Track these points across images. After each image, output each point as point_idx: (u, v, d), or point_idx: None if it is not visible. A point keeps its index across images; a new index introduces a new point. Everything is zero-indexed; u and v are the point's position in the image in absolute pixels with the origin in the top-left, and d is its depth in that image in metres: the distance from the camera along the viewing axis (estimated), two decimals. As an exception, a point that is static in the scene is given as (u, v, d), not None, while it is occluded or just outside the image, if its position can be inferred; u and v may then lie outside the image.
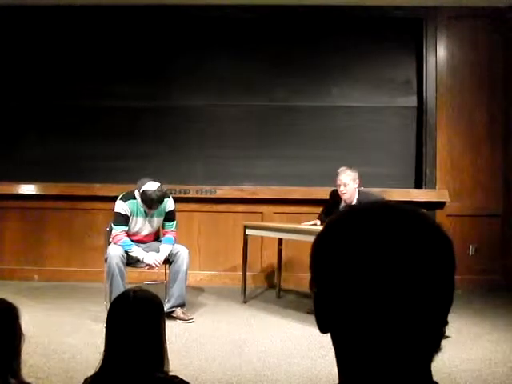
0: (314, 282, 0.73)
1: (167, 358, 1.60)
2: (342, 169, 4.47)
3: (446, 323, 0.70)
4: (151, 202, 4.16)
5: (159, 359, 1.56)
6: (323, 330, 0.73)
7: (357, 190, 4.45)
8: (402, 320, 0.66)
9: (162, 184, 4.18)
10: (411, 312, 0.66)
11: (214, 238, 5.65)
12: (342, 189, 4.39)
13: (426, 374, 0.69)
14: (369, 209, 0.73)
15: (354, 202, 4.41)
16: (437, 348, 0.69)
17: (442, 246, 0.69)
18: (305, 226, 4.54)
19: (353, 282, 0.67)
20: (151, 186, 4.13)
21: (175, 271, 4.20)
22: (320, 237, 0.74)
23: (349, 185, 4.37)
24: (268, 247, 5.48)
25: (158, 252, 4.26)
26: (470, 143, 5.62)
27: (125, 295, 1.65)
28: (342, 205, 4.50)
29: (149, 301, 1.62)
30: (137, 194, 4.23)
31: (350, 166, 4.52)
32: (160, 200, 4.16)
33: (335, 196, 4.58)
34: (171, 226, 4.42)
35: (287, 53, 5.78)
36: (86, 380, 1.56)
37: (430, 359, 0.69)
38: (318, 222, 4.64)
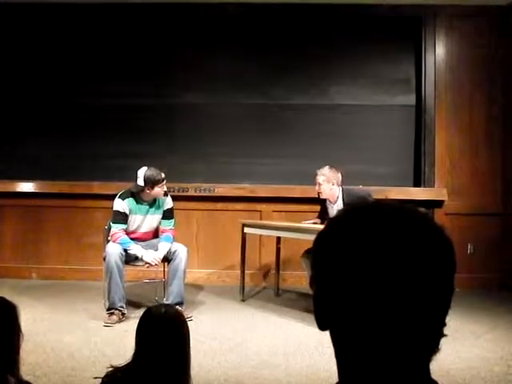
0: (314, 279, 0.73)
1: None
2: (320, 168, 4.47)
3: (445, 325, 0.70)
4: (156, 173, 4.20)
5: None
6: (322, 328, 0.73)
7: (338, 188, 4.45)
8: (401, 320, 0.66)
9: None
10: (410, 312, 0.66)
11: (213, 237, 5.65)
12: (316, 188, 4.45)
13: (425, 372, 0.70)
14: (370, 208, 0.73)
15: (339, 201, 4.44)
16: (435, 348, 0.70)
17: (443, 248, 0.69)
18: (305, 224, 4.55)
19: (353, 280, 0.67)
20: (143, 170, 4.24)
21: (174, 269, 4.20)
22: (321, 235, 0.74)
23: (322, 185, 4.41)
24: (266, 245, 5.48)
25: (157, 250, 4.26)
26: (468, 142, 5.62)
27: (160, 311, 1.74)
28: (330, 206, 4.52)
29: (180, 317, 1.77)
30: (136, 185, 4.24)
31: (332, 166, 4.48)
32: (159, 171, 4.24)
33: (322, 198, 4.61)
34: (169, 224, 4.43)
35: (287, 52, 5.77)
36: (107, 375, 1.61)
37: (428, 359, 0.70)
38: (319, 221, 4.64)
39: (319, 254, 0.73)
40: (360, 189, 4.52)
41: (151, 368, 1.59)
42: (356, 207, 0.74)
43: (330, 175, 4.40)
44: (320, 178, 4.40)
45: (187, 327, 1.77)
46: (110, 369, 1.66)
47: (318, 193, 4.47)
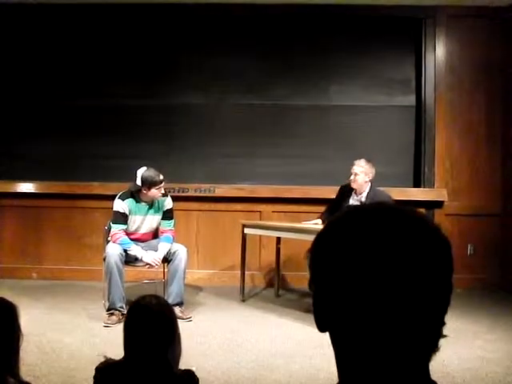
0: (312, 281, 0.74)
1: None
2: (358, 160, 4.59)
3: (444, 324, 0.70)
4: (154, 174, 4.19)
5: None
6: (322, 329, 0.73)
7: (369, 184, 4.56)
8: (399, 320, 0.66)
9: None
10: (409, 312, 0.66)
11: (213, 237, 5.65)
12: (352, 177, 4.54)
13: (424, 373, 0.70)
14: (368, 210, 0.74)
15: (364, 196, 4.54)
16: (435, 348, 0.70)
17: (440, 249, 0.69)
18: (305, 224, 4.55)
19: (351, 282, 0.67)
20: (142, 169, 4.23)
21: (173, 270, 4.20)
22: (319, 236, 0.74)
23: (359, 175, 4.52)
24: (266, 246, 5.48)
25: (157, 250, 4.26)
26: (468, 142, 5.62)
27: (146, 303, 1.73)
28: (353, 197, 4.60)
29: (167, 307, 1.76)
30: (135, 185, 4.24)
31: (369, 161, 4.60)
32: (158, 173, 4.22)
33: (345, 192, 4.66)
34: (169, 225, 4.42)
35: (287, 52, 5.77)
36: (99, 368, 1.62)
37: (428, 359, 0.70)
38: (320, 222, 4.64)
39: (318, 255, 0.73)
40: (383, 191, 4.59)
41: (142, 354, 1.61)
42: (354, 209, 0.75)
43: (368, 169, 4.55)
44: (359, 169, 4.53)
45: (174, 313, 1.79)
46: (103, 359, 1.68)
47: (351, 182, 4.55)
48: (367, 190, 4.55)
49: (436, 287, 0.68)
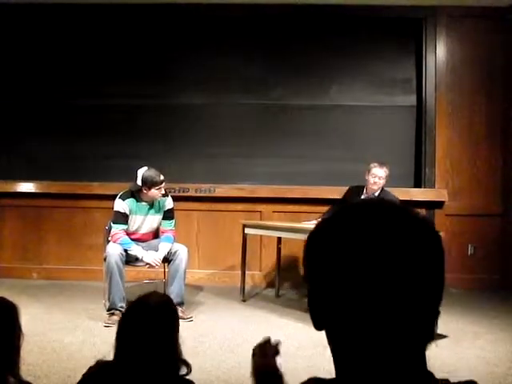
0: (306, 278, 0.74)
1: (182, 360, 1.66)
2: (376, 164, 4.63)
3: (438, 313, 0.71)
4: (155, 174, 4.18)
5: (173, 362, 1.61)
6: (317, 327, 0.73)
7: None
8: (394, 313, 0.67)
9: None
10: (403, 305, 0.67)
11: (213, 237, 5.65)
12: (376, 180, 4.58)
13: (421, 364, 0.70)
14: (358, 206, 0.75)
15: (375, 194, 4.59)
16: (430, 338, 0.70)
17: (430, 240, 0.70)
18: (306, 224, 4.55)
19: (344, 278, 0.68)
20: (143, 169, 4.24)
21: (174, 270, 4.20)
22: (311, 235, 0.75)
23: (383, 179, 4.60)
24: (267, 246, 5.48)
25: (157, 250, 4.26)
26: (469, 143, 5.62)
27: (145, 300, 1.66)
28: (363, 195, 4.62)
29: (167, 305, 1.70)
30: (135, 184, 4.24)
31: (384, 164, 4.63)
32: (158, 173, 4.22)
33: (354, 192, 4.68)
34: (170, 225, 4.43)
35: (287, 52, 5.77)
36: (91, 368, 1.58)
37: (423, 349, 0.70)
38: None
39: (310, 252, 0.74)
40: (391, 192, 4.66)
41: (137, 354, 1.54)
42: (344, 207, 0.76)
43: (388, 173, 4.63)
44: (384, 174, 4.60)
45: (176, 311, 1.74)
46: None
47: (371, 184, 4.59)
48: (378, 192, 4.60)
49: (429, 278, 0.69)
